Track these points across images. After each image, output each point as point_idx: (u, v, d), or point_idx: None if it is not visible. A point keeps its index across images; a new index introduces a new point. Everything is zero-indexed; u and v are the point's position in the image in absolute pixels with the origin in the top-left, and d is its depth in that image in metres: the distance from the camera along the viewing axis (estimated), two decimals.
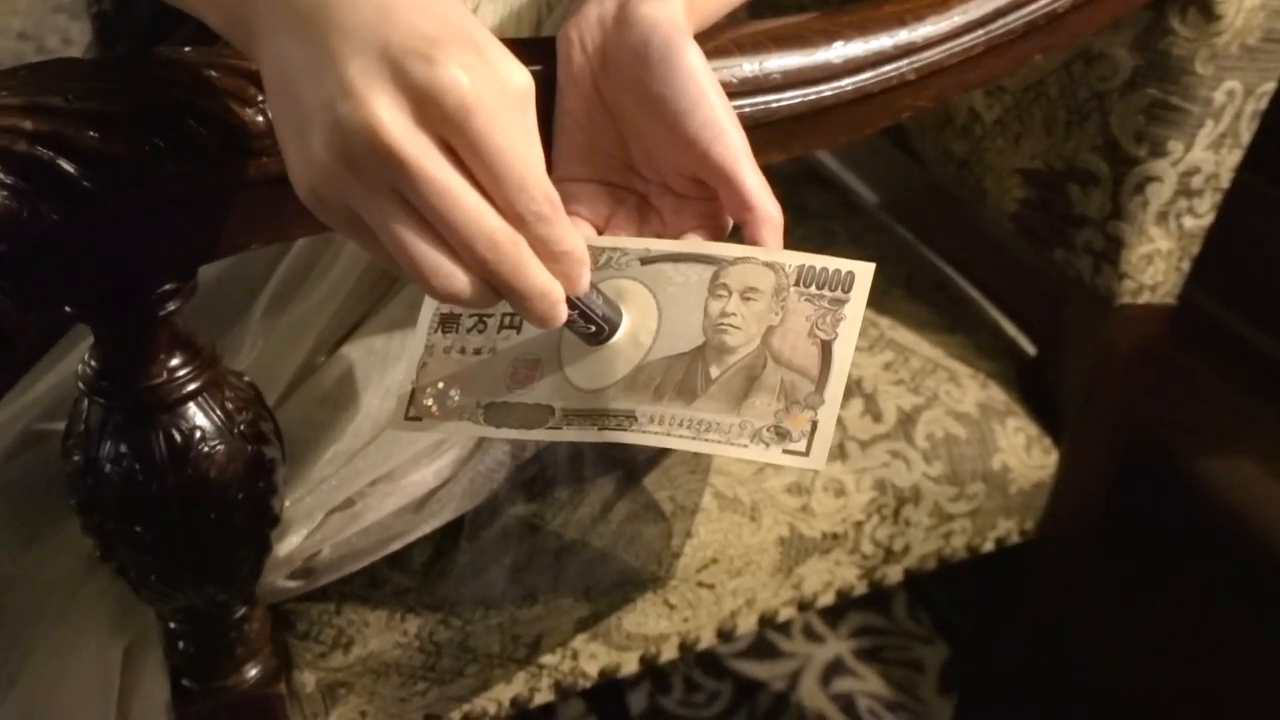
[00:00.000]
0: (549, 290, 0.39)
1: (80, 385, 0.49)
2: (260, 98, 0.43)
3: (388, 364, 0.62)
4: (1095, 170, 0.68)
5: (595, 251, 0.45)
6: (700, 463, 0.69)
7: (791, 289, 0.43)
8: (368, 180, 0.36)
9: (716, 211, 0.47)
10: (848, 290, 0.42)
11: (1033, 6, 0.56)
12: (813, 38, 0.54)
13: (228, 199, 0.44)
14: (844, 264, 0.43)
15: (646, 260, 0.45)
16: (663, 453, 0.67)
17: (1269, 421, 0.80)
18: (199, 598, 0.54)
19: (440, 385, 0.46)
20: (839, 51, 0.54)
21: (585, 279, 0.41)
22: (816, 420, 0.41)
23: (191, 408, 0.49)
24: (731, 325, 0.43)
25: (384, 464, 0.62)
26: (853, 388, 0.74)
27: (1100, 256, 0.69)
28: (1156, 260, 0.69)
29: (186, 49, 0.45)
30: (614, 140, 0.48)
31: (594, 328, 0.44)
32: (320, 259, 0.63)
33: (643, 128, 0.47)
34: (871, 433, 0.72)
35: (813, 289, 0.43)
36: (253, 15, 0.38)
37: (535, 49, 0.47)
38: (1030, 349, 0.81)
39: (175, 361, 0.48)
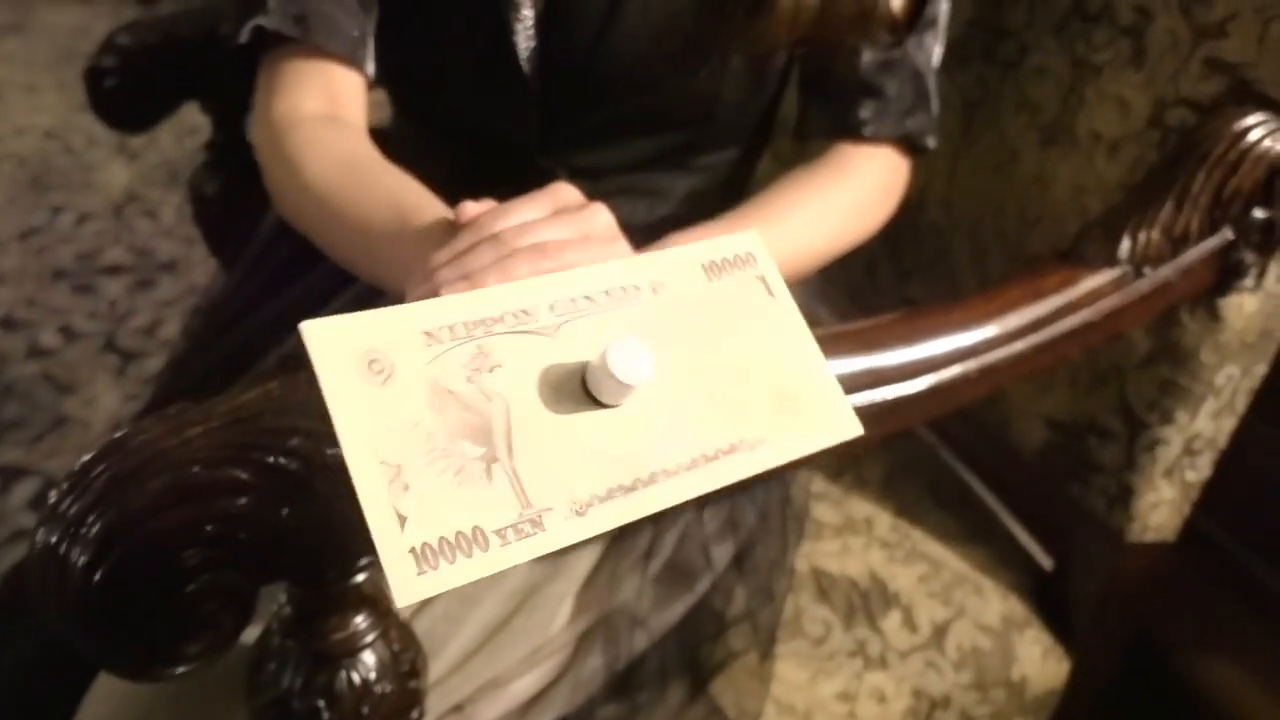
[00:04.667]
0: None
1: (274, 624, 0.57)
2: None
3: (499, 584, 0.71)
4: (1113, 429, 0.78)
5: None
6: (763, 671, 0.77)
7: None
8: None
9: None
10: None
11: (1071, 318, 0.67)
12: (894, 342, 0.64)
13: None
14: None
15: None
16: (730, 659, 0.76)
17: (1259, 636, 0.90)
18: None
19: None
20: (914, 353, 0.64)
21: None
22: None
23: (368, 653, 0.57)
24: None
25: (492, 670, 0.70)
26: (892, 599, 0.84)
27: (1113, 500, 0.80)
28: (1162, 507, 0.80)
29: None
30: None
31: None
32: None
33: None
34: (910, 644, 0.82)
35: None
36: None
37: None
38: (1046, 560, 0.91)
39: (359, 617, 0.56)
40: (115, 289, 2.16)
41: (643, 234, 0.79)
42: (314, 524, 0.51)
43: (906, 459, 0.96)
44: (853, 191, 0.73)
